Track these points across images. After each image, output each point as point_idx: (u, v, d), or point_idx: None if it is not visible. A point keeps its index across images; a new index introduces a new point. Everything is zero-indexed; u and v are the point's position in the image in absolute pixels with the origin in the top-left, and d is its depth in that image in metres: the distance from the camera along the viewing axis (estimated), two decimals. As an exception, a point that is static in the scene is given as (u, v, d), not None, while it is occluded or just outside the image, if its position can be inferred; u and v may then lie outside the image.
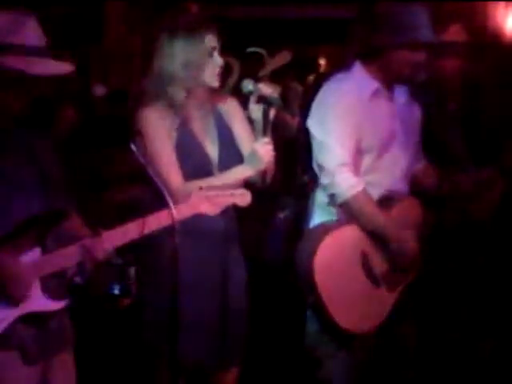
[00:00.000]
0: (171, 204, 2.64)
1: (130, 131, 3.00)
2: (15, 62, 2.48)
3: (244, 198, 2.87)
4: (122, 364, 3.98)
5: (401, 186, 3.35)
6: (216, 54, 3.15)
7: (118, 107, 4.44)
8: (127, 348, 3.76)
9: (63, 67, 2.59)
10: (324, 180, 3.21)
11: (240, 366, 3.32)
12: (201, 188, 2.79)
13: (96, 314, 3.95)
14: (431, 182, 3.49)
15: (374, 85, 3.24)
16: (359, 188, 3.16)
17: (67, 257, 2.60)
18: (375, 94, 3.25)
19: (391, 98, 3.32)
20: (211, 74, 3.15)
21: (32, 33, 2.55)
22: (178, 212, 2.71)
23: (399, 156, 3.32)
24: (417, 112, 3.46)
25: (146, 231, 2.67)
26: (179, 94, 3.13)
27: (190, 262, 3.03)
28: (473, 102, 3.87)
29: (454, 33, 3.76)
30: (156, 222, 2.67)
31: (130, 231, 2.66)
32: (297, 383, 3.64)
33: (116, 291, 4.01)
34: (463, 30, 3.84)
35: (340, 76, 3.31)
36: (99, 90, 2.96)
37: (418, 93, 3.43)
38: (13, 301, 2.53)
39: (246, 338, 3.29)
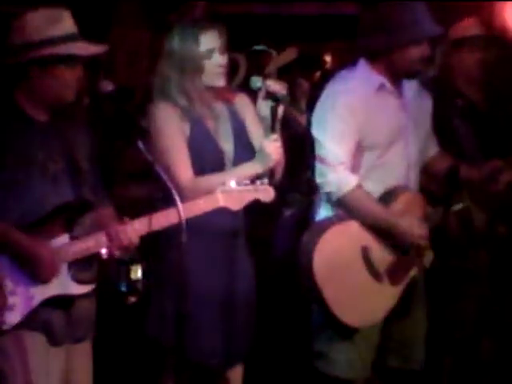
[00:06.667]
0: (177, 199, 2.68)
1: (138, 128, 3.01)
2: (62, 49, 2.69)
3: (267, 194, 2.90)
4: (127, 361, 3.99)
5: (407, 180, 3.33)
6: (216, 54, 3.14)
7: (124, 104, 4.44)
8: (133, 345, 3.77)
9: (99, 47, 2.79)
10: (318, 179, 3.21)
11: (245, 362, 3.33)
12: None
13: (103, 310, 3.95)
14: (444, 168, 3.48)
15: (379, 81, 3.23)
16: (352, 185, 3.16)
17: (94, 243, 2.71)
18: (380, 89, 3.23)
19: (398, 93, 3.30)
20: (211, 75, 3.14)
21: (68, 23, 2.75)
22: (201, 205, 2.77)
23: (406, 150, 3.30)
24: (427, 103, 3.44)
25: (169, 223, 2.74)
26: (180, 98, 3.13)
27: (197, 259, 3.04)
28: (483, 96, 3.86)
29: (467, 27, 3.76)
30: (181, 213, 2.71)
31: (154, 221, 2.73)
32: (302, 378, 3.65)
33: (123, 288, 4.01)
34: (477, 24, 3.83)
35: (344, 74, 3.30)
36: (107, 87, 2.96)
37: (426, 88, 3.43)
38: (41, 281, 2.65)
39: (253, 335, 3.30)
